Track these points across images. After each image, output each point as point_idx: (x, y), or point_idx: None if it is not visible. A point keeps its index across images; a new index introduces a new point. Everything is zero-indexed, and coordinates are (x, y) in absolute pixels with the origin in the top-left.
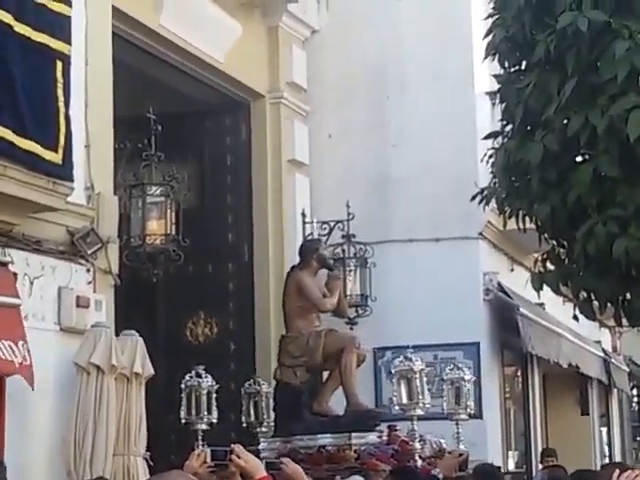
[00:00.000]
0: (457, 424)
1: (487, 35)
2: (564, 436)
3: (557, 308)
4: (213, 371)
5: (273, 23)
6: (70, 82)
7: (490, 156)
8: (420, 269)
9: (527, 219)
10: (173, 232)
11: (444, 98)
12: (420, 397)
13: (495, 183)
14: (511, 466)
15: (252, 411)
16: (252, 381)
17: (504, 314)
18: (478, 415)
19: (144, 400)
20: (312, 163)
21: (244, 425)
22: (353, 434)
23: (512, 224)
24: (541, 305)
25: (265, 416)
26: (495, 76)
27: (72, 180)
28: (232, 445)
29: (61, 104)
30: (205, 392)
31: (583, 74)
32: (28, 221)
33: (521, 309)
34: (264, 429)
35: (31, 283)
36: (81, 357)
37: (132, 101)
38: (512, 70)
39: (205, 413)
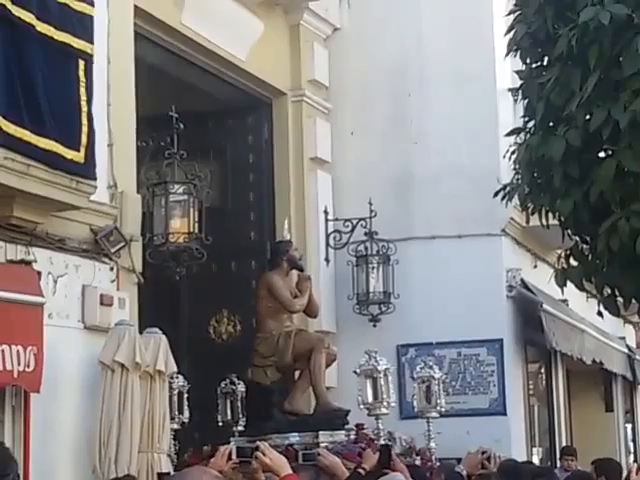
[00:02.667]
0: (428, 422)
1: (509, 31)
2: (588, 432)
3: (580, 304)
4: (236, 369)
5: (294, 21)
6: (92, 81)
7: (512, 152)
8: (443, 266)
9: (550, 215)
10: (196, 230)
11: (466, 95)
12: (385, 396)
13: (518, 179)
14: (535, 463)
15: (228, 410)
16: (228, 381)
17: (527, 310)
18: (502, 411)
19: (167, 398)
20: (334, 161)
21: (220, 424)
22: (321, 432)
23: (535, 220)
24: (564, 301)
25: (241, 415)
26: (517, 72)
27: (95, 179)
28: (257, 442)
29: (84, 103)
30: (176, 392)
31: (605, 69)
32: (51, 220)
33: (544, 305)
34: (240, 428)
35: (55, 282)
36: (105, 355)
37: (154, 100)
38: (534, 66)
39: (176, 413)
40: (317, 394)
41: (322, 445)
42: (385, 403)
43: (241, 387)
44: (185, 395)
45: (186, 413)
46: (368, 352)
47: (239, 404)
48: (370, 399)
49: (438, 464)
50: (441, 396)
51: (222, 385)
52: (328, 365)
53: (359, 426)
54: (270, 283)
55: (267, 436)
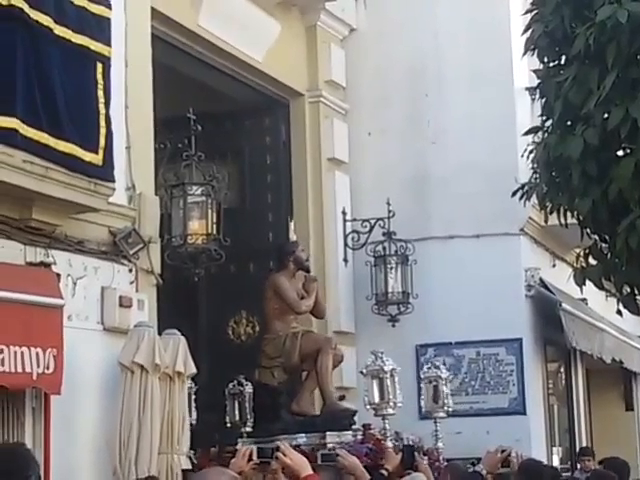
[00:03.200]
0: (435, 422)
1: (526, 30)
2: (608, 432)
3: (600, 303)
4: (255, 370)
5: (311, 22)
6: (110, 84)
7: (530, 151)
8: (461, 266)
9: (568, 214)
10: (214, 232)
11: (483, 94)
12: (391, 397)
13: (536, 178)
14: (555, 462)
15: (236, 411)
16: (235, 382)
17: (546, 310)
18: (522, 411)
19: (187, 399)
20: (352, 161)
21: (228, 425)
22: (328, 433)
23: (553, 219)
24: (583, 300)
25: (249, 416)
26: (534, 71)
27: (113, 181)
28: (278, 443)
29: (102, 106)
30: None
31: (623, 67)
32: (70, 222)
33: (563, 305)
34: (248, 429)
35: (74, 284)
36: (125, 357)
37: (172, 102)
38: (551, 65)
39: None
40: (324, 395)
41: (329, 446)
42: (391, 403)
43: (249, 388)
44: (193, 397)
45: (194, 414)
46: (374, 352)
47: (247, 405)
48: (376, 399)
49: (445, 464)
50: (448, 396)
51: (230, 386)
52: (335, 366)
53: (366, 426)
54: (277, 284)
55: (275, 437)
